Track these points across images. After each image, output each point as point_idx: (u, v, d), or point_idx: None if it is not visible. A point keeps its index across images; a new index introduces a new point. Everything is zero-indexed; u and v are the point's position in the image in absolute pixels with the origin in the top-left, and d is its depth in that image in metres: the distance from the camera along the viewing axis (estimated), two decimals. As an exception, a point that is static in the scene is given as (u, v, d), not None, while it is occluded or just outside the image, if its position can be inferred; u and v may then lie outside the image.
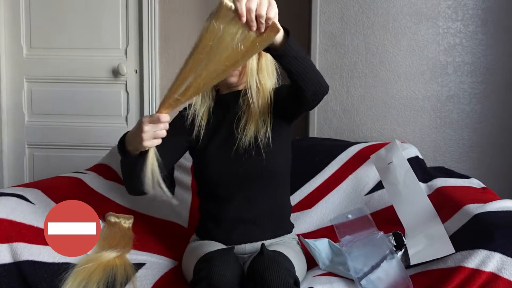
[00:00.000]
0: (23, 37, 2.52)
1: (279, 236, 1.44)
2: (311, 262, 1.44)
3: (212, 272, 1.12)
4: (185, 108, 1.48)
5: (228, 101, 1.45)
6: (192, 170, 1.72)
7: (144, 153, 1.19)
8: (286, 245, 1.38)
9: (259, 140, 1.39)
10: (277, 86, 1.45)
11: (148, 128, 1.15)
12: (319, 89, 1.28)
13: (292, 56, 1.22)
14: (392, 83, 2.04)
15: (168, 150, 1.33)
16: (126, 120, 2.49)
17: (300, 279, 1.35)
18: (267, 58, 1.41)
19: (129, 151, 1.21)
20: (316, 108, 2.08)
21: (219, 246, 1.35)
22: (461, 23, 1.99)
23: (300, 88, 1.25)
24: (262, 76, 1.40)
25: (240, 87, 1.44)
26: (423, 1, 1.99)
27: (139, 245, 1.51)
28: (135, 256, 1.45)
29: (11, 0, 2.51)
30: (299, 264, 1.34)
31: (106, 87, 2.50)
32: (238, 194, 1.41)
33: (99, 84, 2.50)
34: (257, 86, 1.39)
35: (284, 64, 1.22)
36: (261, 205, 1.41)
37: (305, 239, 1.45)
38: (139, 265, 1.39)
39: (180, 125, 1.44)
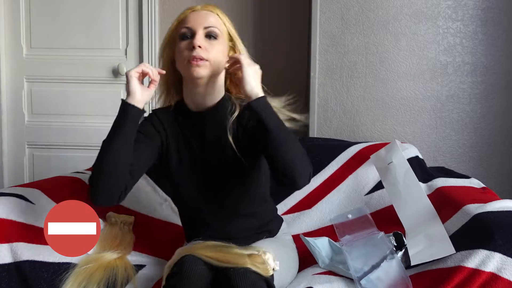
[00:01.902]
0: (23, 37, 2.52)
1: (268, 236, 1.43)
2: (311, 260, 1.45)
3: (184, 265, 1.11)
4: (152, 114, 1.39)
5: (201, 120, 1.35)
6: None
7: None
8: (277, 243, 1.38)
9: (241, 167, 1.31)
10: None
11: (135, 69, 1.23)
12: (290, 170, 1.16)
13: (259, 116, 1.18)
14: (392, 83, 2.03)
15: (141, 153, 1.27)
16: (126, 120, 2.49)
17: (291, 276, 1.36)
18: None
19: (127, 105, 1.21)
20: (316, 108, 2.08)
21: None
22: (461, 23, 1.99)
23: (270, 161, 1.19)
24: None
25: (212, 100, 1.33)
26: (423, 1, 1.99)
27: (139, 247, 1.51)
28: (135, 257, 1.45)
29: (11, 0, 2.50)
30: (289, 264, 1.34)
31: (106, 87, 2.50)
32: (216, 215, 1.37)
33: (99, 84, 2.50)
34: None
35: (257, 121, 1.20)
36: (244, 223, 1.38)
37: (305, 238, 1.45)
38: (139, 267, 1.39)
39: (150, 130, 1.34)
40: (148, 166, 1.33)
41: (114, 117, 1.26)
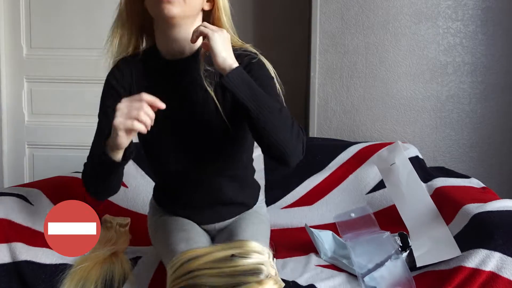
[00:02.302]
0: (23, 37, 2.52)
1: (248, 209, 1.37)
2: (313, 249, 1.45)
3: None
4: (113, 75, 1.22)
5: (177, 70, 1.18)
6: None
7: (117, 164, 1.06)
8: (255, 221, 1.32)
9: (223, 128, 1.16)
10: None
11: (123, 105, 0.99)
12: (278, 148, 1.04)
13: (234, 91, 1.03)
14: (392, 83, 2.03)
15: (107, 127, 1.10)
16: (126, 120, 2.49)
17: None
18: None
19: (107, 146, 1.06)
20: (316, 108, 2.08)
21: (188, 223, 1.29)
22: (461, 23, 1.99)
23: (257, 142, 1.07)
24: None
25: (189, 48, 1.16)
26: (423, 1, 1.99)
27: (135, 241, 1.51)
28: (130, 250, 1.45)
29: (11, 0, 2.51)
30: (263, 234, 1.29)
31: (106, 87, 2.50)
32: (196, 181, 1.26)
33: (99, 84, 2.48)
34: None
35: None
36: (226, 187, 1.28)
37: (310, 228, 1.45)
38: (135, 259, 1.39)
39: (116, 101, 1.09)
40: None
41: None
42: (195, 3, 1.11)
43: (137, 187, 1.77)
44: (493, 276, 1.16)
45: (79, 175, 1.73)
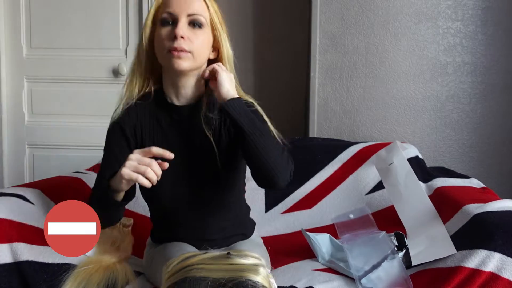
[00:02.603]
0: (23, 37, 2.52)
1: (248, 237, 1.41)
2: (310, 253, 1.45)
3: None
4: (117, 113, 1.26)
5: (181, 114, 1.25)
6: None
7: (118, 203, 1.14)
8: (252, 243, 1.36)
9: (220, 163, 1.24)
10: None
11: (134, 156, 1.07)
12: (269, 175, 1.12)
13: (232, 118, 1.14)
14: (392, 83, 2.04)
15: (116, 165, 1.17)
16: (126, 120, 2.49)
17: None
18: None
19: (110, 186, 1.13)
20: (316, 108, 2.08)
21: (185, 247, 1.29)
22: (461, 23, 1.99)
23: (249, 166, 1.15)
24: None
25: (194, 92, 1.24)
26: (423, 1, 1.99)
27: (138, 251, 1.51)
28: (134, 262, 1.45)
29: (11, 0, 2.51)
30: (261, 255, 1.28)
31: (106, 87, 2.50)
32: (196, 215, 1.30)
33: (99, 84, 2.50)
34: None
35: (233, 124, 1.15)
36: (226, 218, 1.33)
37: (306, 232, 1.45)
38: (137, 274, 1.39)
39: (122, 143, 1.24)
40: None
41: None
42: (203, 56, 1.20)
43: (137, 187, 1.76)
44: (493, 277, 1.16)
45: (79, 175, 1.73)
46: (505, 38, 1.99)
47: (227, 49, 1.24)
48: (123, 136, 1.24)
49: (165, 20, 1.17)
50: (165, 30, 1.17)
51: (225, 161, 1.25)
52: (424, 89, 2.03)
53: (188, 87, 1.24)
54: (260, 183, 1.18)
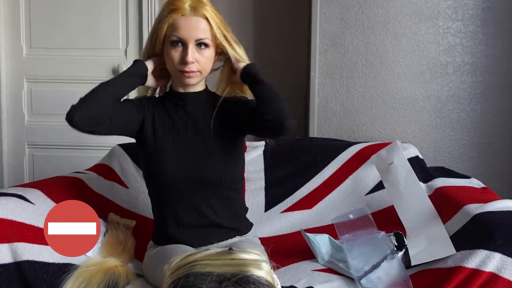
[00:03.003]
0: (23, 37, 2.52)
1: (243, 234, 1.44)
2: (310, 254, 1.45)
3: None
4: (144, 96, 1.48)
5: (186, 100, 1.42)
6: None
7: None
8: (250, 242, 1.39)
9: (220, 145, 1.39)
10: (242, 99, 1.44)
11: None
12: (279, 116, 1.27)
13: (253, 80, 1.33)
14: (392, 83, 2.04)
15: (125, 110, 1.37)
16: (126, 120, 2.49)
17: None
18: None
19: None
20: (316, 108, 2.08)
21: (185, 248, 1.33)
22: (461, 23, 1.99)
23: (262, 112, 1.27)
24: (232, 86, 1.43)
25: (198, 88, 1.43)
26: (423, 1, 1.99)
27: (139, 255, 1.51)
28: (136, 266, 1.45)
29: (11, 0, 2.51)
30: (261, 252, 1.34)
31: (106, 87, 2.50)
32: (194, 199, 1.38)
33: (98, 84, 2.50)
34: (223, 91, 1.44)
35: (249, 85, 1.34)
36: (222, 208, 1.40)
37: (306, 233, 1.45)
38: (139, 276, 1.39)
39: (138, 104, 1.42)
40: (125, 126, 1.38)
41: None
42: (208, 68, 1.38)
43: (138, 188, 1.77)
44: (493, 277, 1.16)
45: (79, 175, 1.73)
46: (505, 38, 1.99)
47: (232, 49, 1.38)
48: (139, 103, 1.43)
49: (175, 41, 1.32)
50: (175, 51, 1.33)
51: (223, 139, 1.40)
52: (424, 89, 2.02)
53: (193, 85, 1.41)
54: (268, 130, 1.28)
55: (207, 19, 1.32)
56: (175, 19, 1.31)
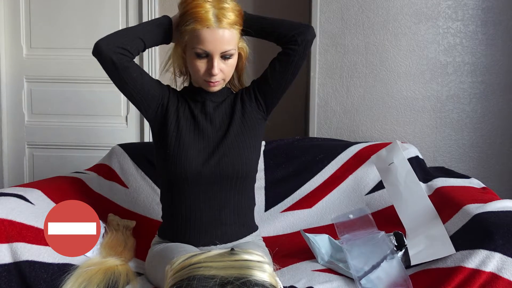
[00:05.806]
0: (23, 37, 2.52)
1: (248, 235, 1.44)
2: (310, 254, 1.45)
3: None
4: (171, 87, 1.48)
5: (205, 96, 1.43)
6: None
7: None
8: (254, 244, 1.39)
9: (238, 140, 1.39)
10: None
11: None
12: (298, 29, 1.36)
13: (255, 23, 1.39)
14: (392, 83, 2.04)
15: (151, 79, 1.39)
16: (126, 120, 2.49)
17: None
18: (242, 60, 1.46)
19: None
20: (316, 108, 2.08)
21: (188, 247, 1.33)
22: (461, 23, 1.99)
23: (281, 35, 1.36)
24: (242, 77, 1.49)
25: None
26: (423, 1, 1.99)
27: (140, 254, 1.51)
28: (136, 265, 1.45)
29: (11, 0, 2.51)
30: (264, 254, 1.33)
31: (106, 87, 2.49)
32: (209, 194, 1.37)
33: (99, 84, 2.50)
34: (238, 83, 1.50)
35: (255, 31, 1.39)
36: (233, 206, 1.39)
37: (305, 233, 1.45)
38: (139, 274, 1.39)
39: (160, 85, 1.43)
40: (145, 88, 1.37)
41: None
42: (231, 74, 1.39)
43: (138, 188, 1.77)
44: (493, 277, 1.16)
45: (79, 175, 1.73)
46: (505, 38, 1.99)
47: (246, 48, 1.45)
48: (166, 89, 1.44)
49: (200, 54, 1.32)
50: (200, 63, 1.33)
51: (243, 133, 1.42)
52: (424, 89, 2.03)
53: (213, 91, 1.43)
54: (294, 39, 1.37)
55: (232, 29, 1.32)
56: (200, 31, 1.29)
